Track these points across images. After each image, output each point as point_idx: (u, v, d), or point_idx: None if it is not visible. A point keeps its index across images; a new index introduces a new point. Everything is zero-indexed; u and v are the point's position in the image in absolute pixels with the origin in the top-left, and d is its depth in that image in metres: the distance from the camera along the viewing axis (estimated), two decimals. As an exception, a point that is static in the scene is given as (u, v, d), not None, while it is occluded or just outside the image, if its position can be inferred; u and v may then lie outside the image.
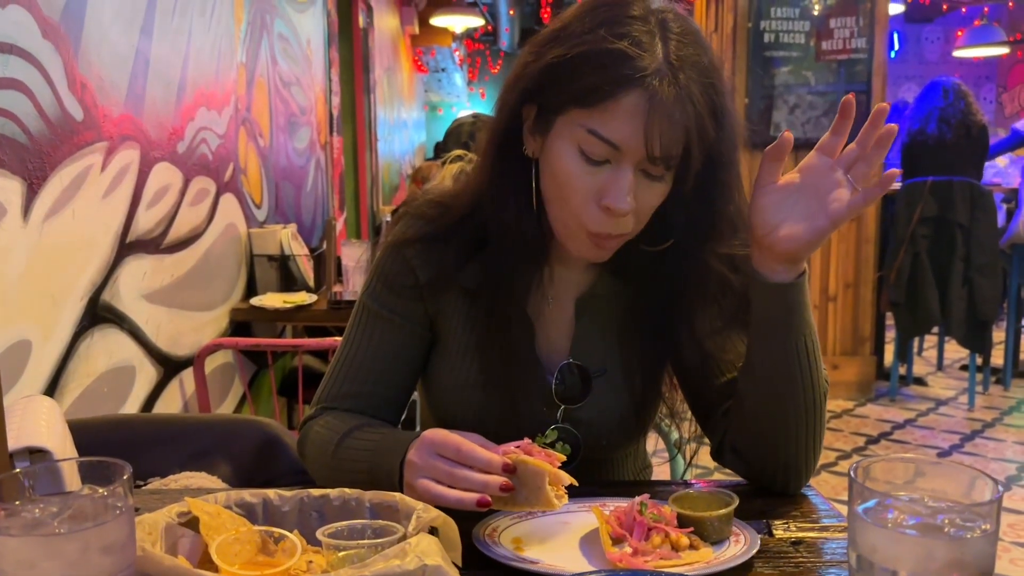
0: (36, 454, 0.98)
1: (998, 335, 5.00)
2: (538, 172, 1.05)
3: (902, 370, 4.86)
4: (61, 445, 1.03)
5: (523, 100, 1.03)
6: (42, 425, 1.04)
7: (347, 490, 0.82)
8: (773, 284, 0.99)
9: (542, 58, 0.99)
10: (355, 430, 1.06)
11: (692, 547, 0.86)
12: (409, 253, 1.14)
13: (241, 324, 2.83)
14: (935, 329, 4.79)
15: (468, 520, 0.88)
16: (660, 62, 0.93)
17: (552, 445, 0.99)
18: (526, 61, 1.03)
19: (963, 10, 9.11)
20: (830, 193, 0.95)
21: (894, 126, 0.94)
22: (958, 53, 8.52)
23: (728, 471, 1.12)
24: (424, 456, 0.91)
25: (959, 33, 8.55)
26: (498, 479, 0.87)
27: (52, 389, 1.68)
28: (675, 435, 1.22)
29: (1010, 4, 8.62)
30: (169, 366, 2.27)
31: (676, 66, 0.94)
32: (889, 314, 4.74)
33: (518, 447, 0.91)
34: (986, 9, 8.07)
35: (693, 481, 1.10)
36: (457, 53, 10.68)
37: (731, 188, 1.05)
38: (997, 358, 5.02)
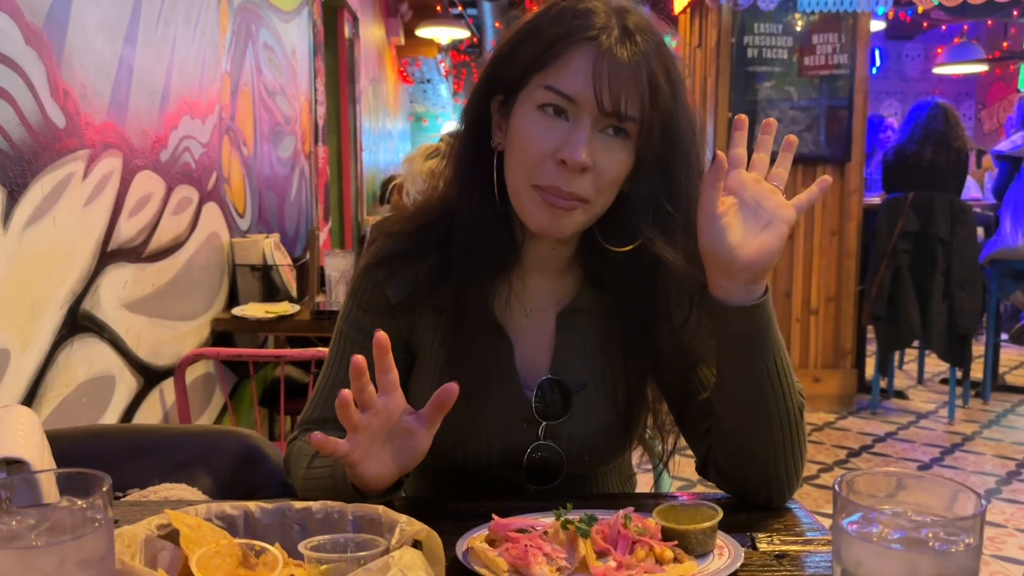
0: (13, 465, 0.97)
1: (978, 349, 5.05)
2: (501, 164, 1.07)
3: (883, 383, 4.89)
4: (39, 456, 1.02)
5: (489, 91, 1.07)
6: (20, 435, 1.02)
7: (329, 503, 0.81)
8: (739, 308, 0.97)
9: (503, 44, 1.06)
10: None
11: (676, 560, 0.85)
12: (380, 274, 1.14)
13: (222, 334, 2.81)
14: (916, 343, 4.82)
15: (452, 534, 0.87)
16: (615, 25, 0.99)
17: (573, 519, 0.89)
18: (490, 56, 1.08)
19: (943, 28, 9.22)
20: (770, 200, 0.96)
21: (794, 137, 1.02)
22: (938, 70, 8.62)
23: (711, 484, 1.12)
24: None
25: (939, 50, 8.65)
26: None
27: (30, 399, 1.66)
28: (659, 447, 1.22)
29: (989, 23, 8.73)
30: (149, 376, 2.25)
31: (631, 31, 0.99)
32: (870, 327, 4.78)
33: (535, 528, 0.88)
34: (966, 27, 8.18)
35: (677, 494, 1.10)
36: (443, 64, 10.70)
37: (692, 167, 1.05)
38: (977, 372, 5.07)
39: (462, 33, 8.33)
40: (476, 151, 1.09)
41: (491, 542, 0.88)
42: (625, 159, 1.01)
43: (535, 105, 1.00)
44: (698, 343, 1.10)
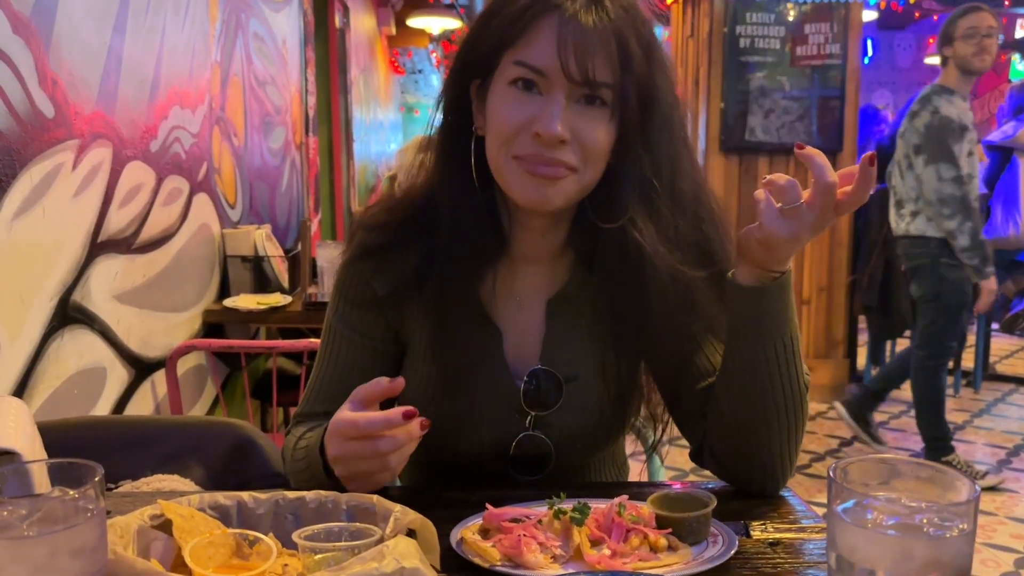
0: (4, 455, 0.96)
1: (969, 338, 5.07)
2: (481, 149, 1.05)
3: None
4: (30, 446, 1.01)
5: (464, 77, 1.06)
6: (10, 426, 1.02)
7: (323, 492, 0.81)
8: (742, 287, 0.98)
9: (472, 27, 1.05)
10: (305, 433, 1.08)
11: (671, 548, 0.86)
12: (365, 267, 1.13)
13: (214, 325, 2.80)
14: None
15: (447, 523, 0.87)
16: None
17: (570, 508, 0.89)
18: (461, 42, 1.07)
19: (935, 17, 9.23)
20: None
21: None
22: (930, 60, 8.65)
23: (705, 472, 1.11)
24: (340, 446, 0.92)
25: (931, 40, 8.66)
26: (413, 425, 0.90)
27: (21, 390, 1.65)
28: (651, 436, 1.22)
29: (980, 13, 8.74)
30: (141, 368, 2.24)
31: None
32: (862, 317, 4.79)
33: (529, 517, 0.88)
34: (957, 17, 8.18)
35: (671, 482, 1.10)
36: (434, 55, 10.67)
37: (674, 133, 1.04)
38: (968, 361, 5.09)
39: (453, 23, 8.28)
40: (456, 139, 1.07)
41: (485, 532, 0.88)
42: (606, 129, 0.99)
43: (507, 81, 0.99)
44: (694, 348, 1.09)
